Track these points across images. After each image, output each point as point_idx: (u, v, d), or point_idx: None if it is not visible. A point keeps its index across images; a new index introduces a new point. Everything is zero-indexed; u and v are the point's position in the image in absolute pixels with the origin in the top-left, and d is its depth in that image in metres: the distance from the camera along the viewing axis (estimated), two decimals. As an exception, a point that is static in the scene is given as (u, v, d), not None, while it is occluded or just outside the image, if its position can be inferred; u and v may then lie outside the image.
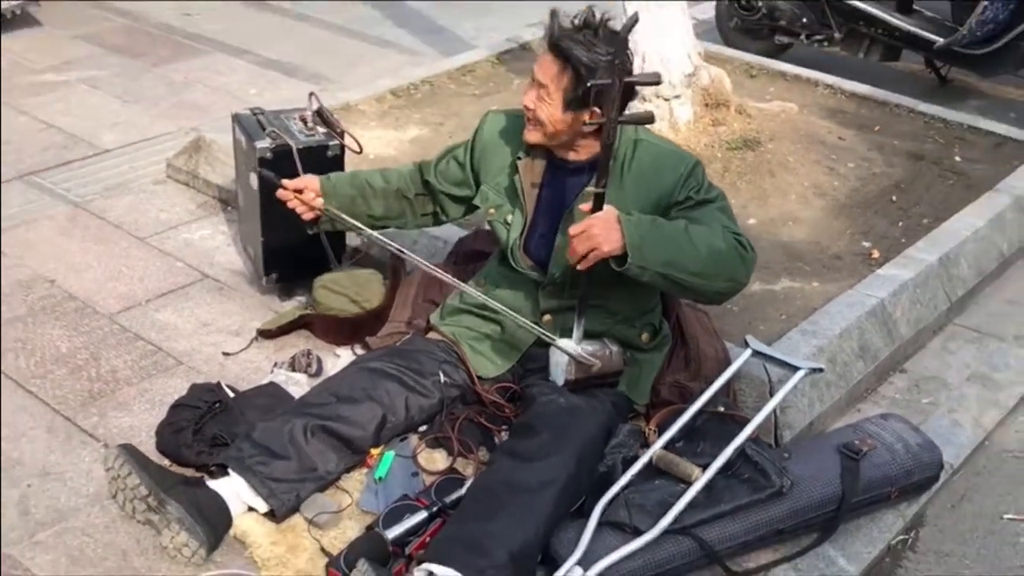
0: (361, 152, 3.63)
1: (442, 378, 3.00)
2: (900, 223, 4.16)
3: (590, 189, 2.76)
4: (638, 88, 3.08)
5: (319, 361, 3.32)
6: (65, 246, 3.96)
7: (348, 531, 2.71)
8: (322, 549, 2.66)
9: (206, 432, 2.92)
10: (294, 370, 3.28)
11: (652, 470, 2.78)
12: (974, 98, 5.77)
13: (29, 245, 3.95)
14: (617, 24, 2.86)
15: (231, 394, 3.09)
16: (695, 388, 3.03)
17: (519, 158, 3.00)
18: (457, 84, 5.20)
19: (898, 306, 3.59)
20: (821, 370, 3.10)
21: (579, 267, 2.72)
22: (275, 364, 3.31)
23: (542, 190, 3.00)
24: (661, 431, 2.91)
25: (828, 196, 4.30)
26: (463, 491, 2.75)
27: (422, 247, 3.68)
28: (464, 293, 3.16)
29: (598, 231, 2.65)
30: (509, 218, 3.03)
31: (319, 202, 3.16)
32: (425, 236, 3.74)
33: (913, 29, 5.50)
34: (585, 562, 2.53)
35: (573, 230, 2.69)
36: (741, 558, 2.71)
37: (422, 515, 2.68)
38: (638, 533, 2.60)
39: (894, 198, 4.35)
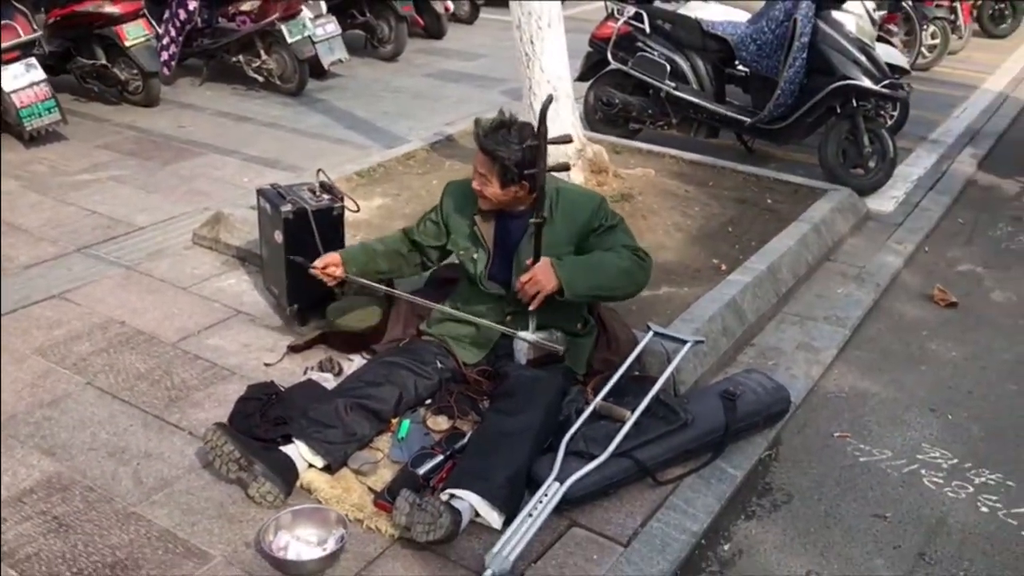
0: (358, 211, 3.91)
1: (439, 365, 3.28)
2: (736, 246, 4.61)
3: (533, 220, 3.13)
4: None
5: (339, 364, 3.56)
6: (125, 297, 4.09)
7: (384, 476, 2.95)
8: (369, 489, 2.91)
9: (269, 415, 3.12)
10: (323, 371, 3.51)
11: (595, 416, 3.11)
12: (773, 161, 6.29)
13: (97, 299, 4.07)
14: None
15: (282, 389, 3.31)
16: (616, 361, 3.38)
17: (475, 214, 3.34)
18: (404, 167, 5.50)
19: (745, 300, 4.02)
20: (702, 342, 3.50)
21: (531, 307, 3.10)
22: (308, 368, 3.53)
23: (496, 233, 3.32)
24: (597, 391, 3.25)
25: (684, 231, 4.74)
26: (466, 440, 3.03)
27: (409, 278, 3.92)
28: (444, 307, 3.48)
29: (541, 277, 3.06)
30: (475, 256, 3.34)
31: (340, 271, 3.40)
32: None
33: (729, 113, 5.99)
34: (560, 478, 2.84)
35: (522, 279, 3.07)
36: (663, 472, 3.04)
37: (439, 458, 2.95)
38: (593, 458, 2.92)
39: (730, 229, 4.81)
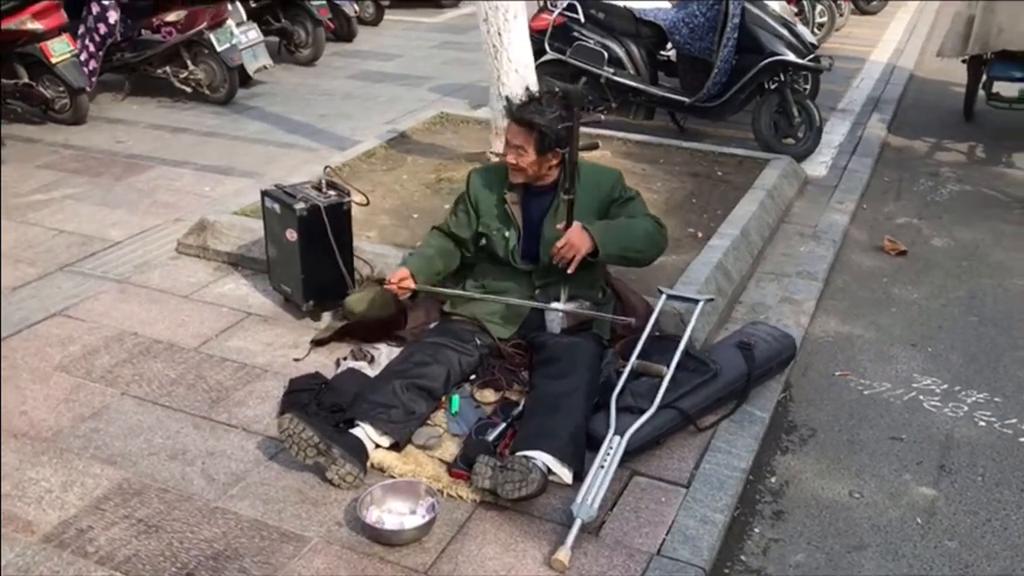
0: (367, 204, 4.01)
1: (477, 342, 3.43)
2: (704, 215, 4.92)
3: (564, 197, 3.33)
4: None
5: (370, 353, 3.64)
6: (129, 310, 4.05)
7: (449, 448, 3.09)
8: (440, 460, 3.04)
9: (325, 403, 3.21)
10: (356, 360, 3.60)
11: (634, 374, 3.33)
12: (706, 137, 6.64)
13: (100, 313, 4.02)
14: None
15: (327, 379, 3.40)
16: (636, 325, 3.62)
17: (505, 193, 3.51)
18: (367, 165, 5.57)
19: (728, 262, 4.31)
20: (713, 299, 3.77)
21: (569, 271, 3.28)
22: (343, 358, 3.60)
23: (524, 210, 3.52)
24: (625, 352, 3.47)
25: (654, 205, 4.95)
26: (520, 408, 3.21)
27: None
28: (467, 288, 3.63)
29: (575, 240, 3.27)
30: (506, 234, 3.52)
31: (410, 283, 3.49)
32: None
33: (668, 94, 6.33)
34: (619, 432, 3.04)
35: (558, 244, 3.26)
36: (702, 419, 3.29)
37: (503, 425, 3.12)
38: (643, 411, 3.14)
39: (694, 200, 5.11)
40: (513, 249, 3.50)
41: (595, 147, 3.50)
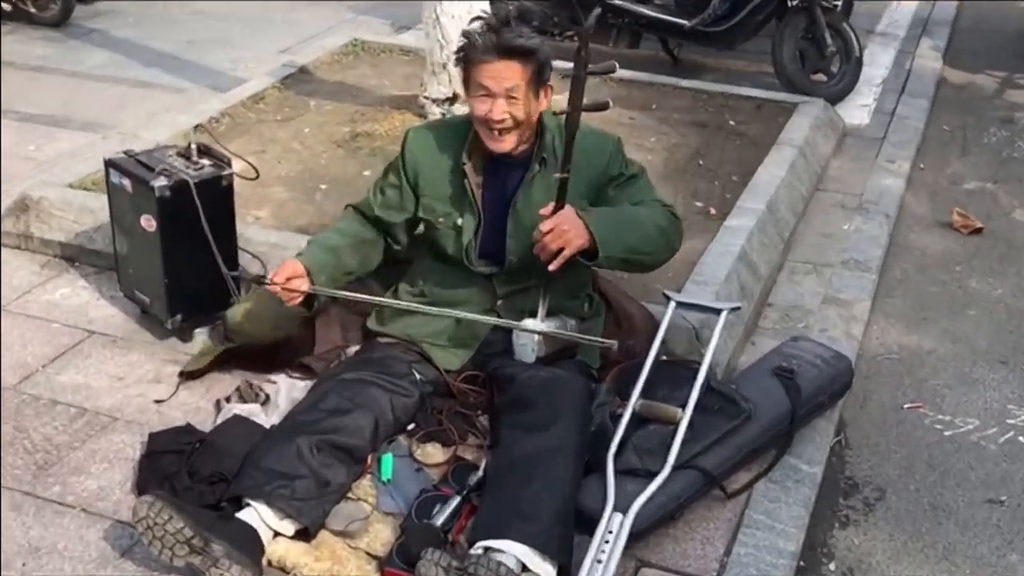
0: (257, 177, 3.66)
1: (416, 377, 3.13)
2: (716, 182, 4.68)
3: (557, 175, 3.02)
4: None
5: (262, 390, 3.32)
6: (-84, 328, 3.68)
7: (381, 534, 2.79)
8: (367, 554, 2.73)
9: (201, 473, 2.89)
10: (245, 401, 3.27)
11: (636, 420, 3.05)
12: (710, 73, 6.42)
13: None
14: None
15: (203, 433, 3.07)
16: (634, 344, 3.33)
17: (464, 163, 3.17)
18: (255, 113, 5.23)
19: (753, 250, 4.06)
20: (739, 308, 3.50)
21: (551, 267, 2.97)
22: (224, 399, 3.28)
23: (484, 191, 3.20)
24: (620, 387, 3.19)
25: (648, 168, 4.68)
26: (481, 473, 2.91)
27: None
28: (400, 297, 3.32)
29: (568, 227, 2.94)
30: (459, 222, 3.18)
31: (306, 285, 3.12)
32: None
33: (660, 16, 6.07)
34: (620, 507, 2.77)
35: (544, 227, 2.94)
36: (730, 480, 3.03)
37: (456, 500, 2.82)
38: (651, 474, 2.87)
39: (701, 162, 4.87)
40: (468, 244, 3.17)
41: (606, 107, 3.20)
